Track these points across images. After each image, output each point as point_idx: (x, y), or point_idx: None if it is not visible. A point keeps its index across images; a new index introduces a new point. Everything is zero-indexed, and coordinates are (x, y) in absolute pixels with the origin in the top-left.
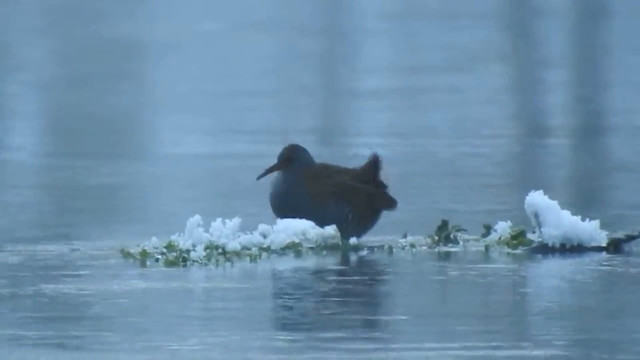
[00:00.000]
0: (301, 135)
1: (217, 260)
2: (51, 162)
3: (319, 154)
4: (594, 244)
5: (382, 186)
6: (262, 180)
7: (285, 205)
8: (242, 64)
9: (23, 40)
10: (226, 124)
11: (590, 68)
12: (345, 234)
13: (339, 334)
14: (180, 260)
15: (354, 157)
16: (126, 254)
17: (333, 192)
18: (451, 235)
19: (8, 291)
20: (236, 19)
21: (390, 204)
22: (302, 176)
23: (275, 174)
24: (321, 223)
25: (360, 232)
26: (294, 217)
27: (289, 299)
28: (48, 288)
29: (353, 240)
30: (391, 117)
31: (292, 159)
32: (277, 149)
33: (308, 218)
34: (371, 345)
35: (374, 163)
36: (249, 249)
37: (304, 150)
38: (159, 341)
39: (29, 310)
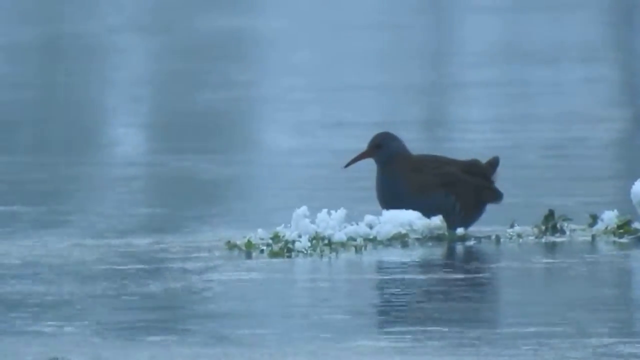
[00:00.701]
0: (406, 128)
1: (322, 251)
2: (156, 157)
3: (424, 146)
4: None
5: (490, 181)
6: (370, 173)
7: (389, 197)
8: (344, 59)
9: (124, 39)
10: (332, 117)
11: None
12: (451, 225)
13: (444, 329)
14: (285, 251)
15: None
16: (232, 246)
17: (442, 182)
18: (558, 225)
19: (117, 285)
20: (340, 16)
21: (497, 197)
22: (401, 167)
23: (375, 167)
24: (427, 213)
25: (466, 223)
26: (399, 208)
27: (395, 290)
28: (155, 281)
29: (460, 231)
30: (496, 108)
31: (381, 146)
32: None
33: (414, 209)
34: (476, 341)
35: (493, 164)
36: (354, 239)
37: (394, 138)
38: (263, 333)
39: (137, 302)
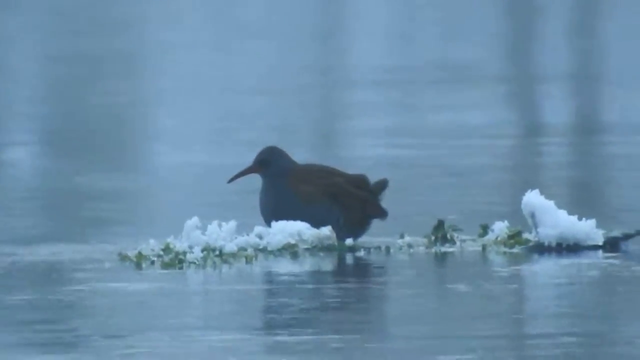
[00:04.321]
0: (298, 140)
1: (213, 262)
2: (47, 166)
3: (314, 158)
4: (590, 243)
5: (376, 196)
6: (258, 185)
7: (274, 210)
8: (238, 73)
9: (19, 46)
10: (221, 131)
11: (582, 68)
12: (337, 236)
13: (333, 337)
14: (177, 262)
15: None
16: (123, 257)
17: (326, 192)
18: (448, 235)
19: (5, 295)
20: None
21: (381, 213)
22: (286, 179)
23: (260, 182)
24: (312, 224)
25: (351, 236)
26: (284, 220)
27: (284, 301)
28: (44, 291)
29: (349, 242)
30: (386, 122)
31: (267, 162)
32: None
33: (298, 219)
34: (362, 352)
35: (382, 186)
36: (245, 250)
37: (280, 153)
38: (155, 343)
39: (25, 313)
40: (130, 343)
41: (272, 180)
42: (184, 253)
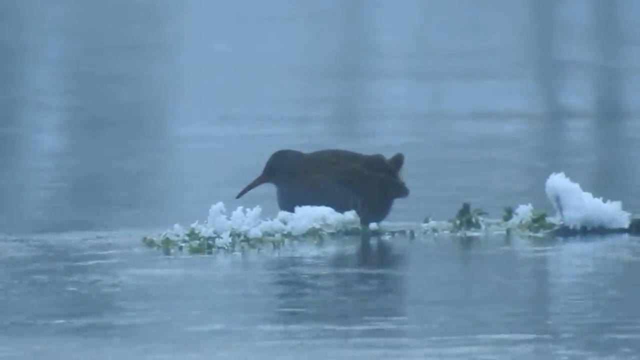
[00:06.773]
0: (321, 121)
1: (241, 248)
2: (72, 151)
3: (335, 140)
4: (615, 225)
5: (395, 176)
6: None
7: (291, 203)
8: (265, 59)
9: (48, 38)
10: (248, 113)
11: (605, 55)
12: (361, 220)
13: (357, 322)
14: (206, 247)
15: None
16: (149, 243)
17: (342, 179)
18: (473, 219)
19: (32, 280)
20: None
21: (402, 192)
22: (296, 174)
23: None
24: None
25: (373, 219)
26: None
27: (309, 285)
28: (71, 277)
29: (373, 226)
30: (411, 103)
31: (273, 170)
32: (301, 137)
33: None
34: (389, 337)
35: (398, 161)
36: (271, 235)
37: (284, 155)
38: (183, 328)
39: (53, 299)
40: (156, 329)
41: (283, 184)
42: (211, 238)
